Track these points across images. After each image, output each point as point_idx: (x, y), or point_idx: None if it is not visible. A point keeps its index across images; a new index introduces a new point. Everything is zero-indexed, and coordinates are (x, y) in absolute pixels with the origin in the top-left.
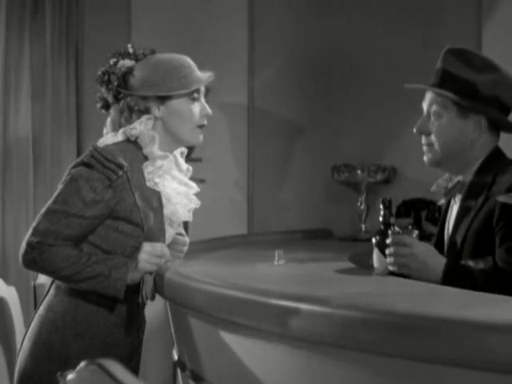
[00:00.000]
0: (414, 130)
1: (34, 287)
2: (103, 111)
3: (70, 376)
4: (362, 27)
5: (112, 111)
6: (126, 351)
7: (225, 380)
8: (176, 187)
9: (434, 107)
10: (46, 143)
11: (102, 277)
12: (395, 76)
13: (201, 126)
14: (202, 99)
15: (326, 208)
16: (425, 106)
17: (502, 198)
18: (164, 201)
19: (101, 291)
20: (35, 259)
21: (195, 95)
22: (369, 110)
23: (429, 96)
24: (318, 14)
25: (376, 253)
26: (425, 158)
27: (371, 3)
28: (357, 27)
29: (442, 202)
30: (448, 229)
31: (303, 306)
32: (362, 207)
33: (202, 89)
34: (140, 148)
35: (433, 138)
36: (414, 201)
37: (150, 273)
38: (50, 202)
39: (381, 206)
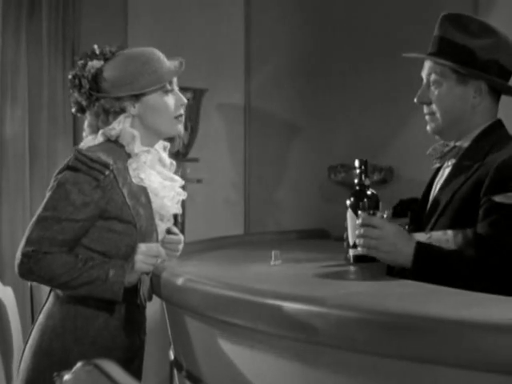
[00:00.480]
0: (415, 99)
1: (31, 287)
2: (79, 115)
3: (67, 376)
4: (357, 27)
5: (88, 115)
6: (127, 353)
7: (220, 380)
8: (161, 181)
9: (433, 76)
10: (42, 144)
11: (100, 281)
12: (392, 76)
13: (178, 117)
14: (176, 89)
15: (322, 208)
16: (424, 75)
17: (498, 198)
18: (151, 196)
19: (99, 295)
20: (31, 268)
21: (168, 87)
22: (365, 111)
23: (427, 65)
24: (313, 14)
25: (349, 214)
26: (428, 128)
27: (367, 3)
28: (352, 27)
29: (437, 165)
30: (435, 190)
31: (299, 306)
32: None
33: (175, 79)
34: (122, 146)
35: (434, 106)
36: (410, 200)
37: (147, 273)
38: (39, 210)
39: (356, 167)
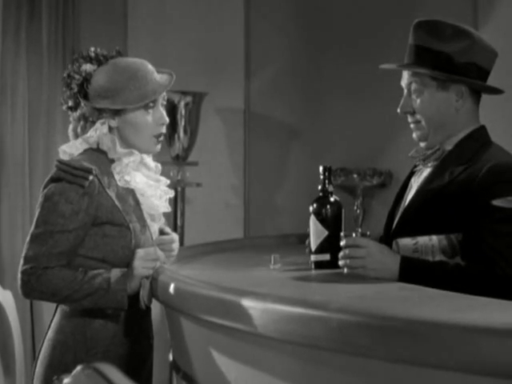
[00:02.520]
0: (398, 110)
1: None
2: (69, 112)
3: (66, 380)
4: (357, 33)
5: (71, 119)
6: (139, 358)
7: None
8: (146, 181)
9: (414, 85)
10: (41, 147)
11: (102, 290)
12: (391, 81)
13: (158, 136)
14: (160, 108)
15: None
16: (403, 84)
17: (497, 202)
18: (139, 196)
19: (103, 305)
20: (33, 286)
21: (151, 105)
22: (365, 115)
23: (406, 74)
24: (312, 19)
25: (312, 220)
26: (414, 135)
27: (366, 8)
28: (351, 33)
29: (420, 167)
30: (409, 191)
31: (299, 311)
32: (358, 211)
33: (162, 95)
34: (104, 153)
35: (418, 115)
36: None
37: (147, 277)
38: (32, 228)
39: (320, 173)
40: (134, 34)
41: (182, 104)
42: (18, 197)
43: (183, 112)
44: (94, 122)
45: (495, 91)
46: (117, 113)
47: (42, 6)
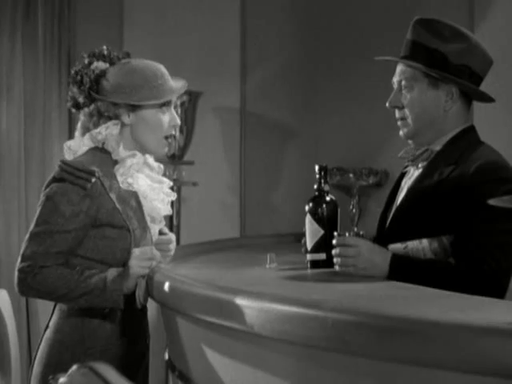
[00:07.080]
0: (387, 104)
1: None
2: (73, 110)
3: (62, 379)
4: (351, 33)
5: (81, 115)
6: (136, 358)
7: (212, 382)
8: (150, 184)
9: (405, 80)
10: (37, 147)
11: (98, 290)
12: (388, 81)
13: (168, 137)
14: (172, 109)
15: None
16: (395, 80)
17: (492, 202)
18: (141, 199)
19: (100, 305)
20: (29, 284)
21: (166, 104)
22: (361, 114)
23: (399, 69)
24: (309, 18)
25: (308, 220)
26: (400, 133)
27: (361, 8)
28: (346, 33)
29: (409, 168)
30: (401, 192)
31: (295, 310)
32: (354, 210)
33: (174, 98)
34: (108, 153)
35: (406, 111)
36: None
37: (143, 276)
38: (31, 226)
39: (316, 172)
40: (130, 33)
41: (178, 103)
42: (14, 196)
43: (179, 111)
44: (109, 118)
45: (486, 98)
46: (133, 110)
47: (37, 6)
